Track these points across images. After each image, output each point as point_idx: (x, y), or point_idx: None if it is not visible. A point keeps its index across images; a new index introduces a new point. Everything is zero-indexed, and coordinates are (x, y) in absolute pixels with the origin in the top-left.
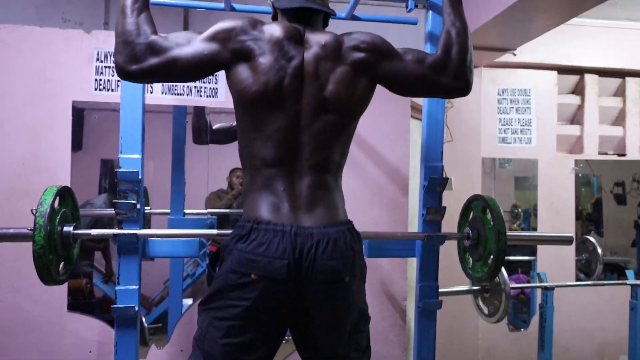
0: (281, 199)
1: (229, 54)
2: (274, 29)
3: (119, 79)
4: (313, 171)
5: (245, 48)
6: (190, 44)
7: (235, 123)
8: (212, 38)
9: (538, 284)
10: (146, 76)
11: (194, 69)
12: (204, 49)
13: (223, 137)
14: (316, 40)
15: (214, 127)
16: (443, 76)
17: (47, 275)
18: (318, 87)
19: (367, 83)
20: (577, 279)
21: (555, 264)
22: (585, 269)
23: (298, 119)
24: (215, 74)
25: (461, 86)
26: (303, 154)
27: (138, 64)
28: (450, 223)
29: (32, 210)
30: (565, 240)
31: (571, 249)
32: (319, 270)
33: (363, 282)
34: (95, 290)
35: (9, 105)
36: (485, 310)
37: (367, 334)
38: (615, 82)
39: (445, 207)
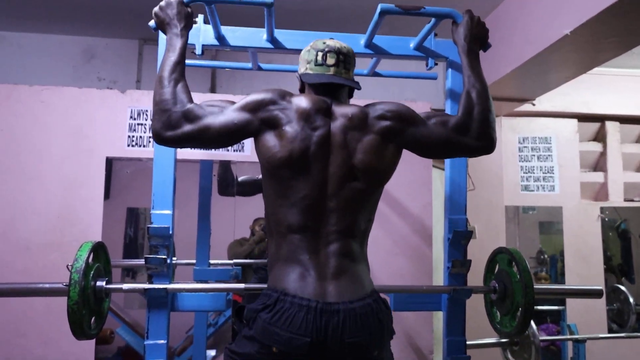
0: (307, 268)
1: (258, 123)
2: (302, 101)
3: (149, 135)
4: (339, 237)
5: (273, 117)
6: (222, 113)
7: (260, 176)
8: (243, 108)
9: (569, 337)
10: (180, 142)
11: (224, 137)
12: (234, 118)
13: (249, 189)
14: (342, 112)
15: (240, 179)
16: (467, 137)
17: (80, 330)
18: (346, 156)
19: (394, 149)
20: (610, 330)
21: (586, 314)
22: (617, 319)
23: (325, 187)
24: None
25: (485, 145)
26: (329, 221)
27: (173, 130)
28: (475, 272)
29: (67, 266)
30: (594, 294)
31: (602, 298)
32: (347, 348)
33: (390, 339)
34: (118, 339)
35: (48, 160)
36: None
37: None
38: (637, 129)
39: (470, 261)
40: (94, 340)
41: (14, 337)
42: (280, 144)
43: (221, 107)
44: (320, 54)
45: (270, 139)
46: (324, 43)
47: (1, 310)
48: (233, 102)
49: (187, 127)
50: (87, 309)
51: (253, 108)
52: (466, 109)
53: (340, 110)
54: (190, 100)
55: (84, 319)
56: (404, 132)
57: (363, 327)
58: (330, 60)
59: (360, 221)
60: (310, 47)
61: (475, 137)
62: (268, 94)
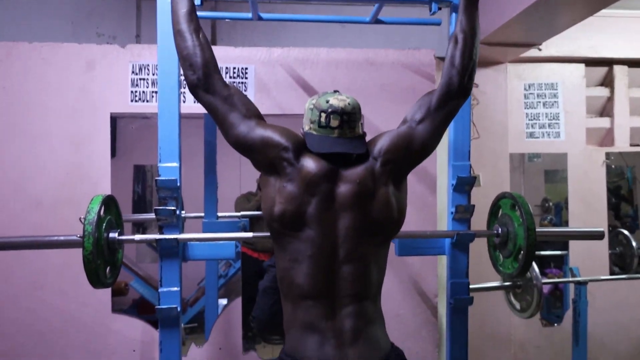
0: (325, 334)
1: (265, 159)
2: (309, 163)
3: (152, 90)
4: (354, 301)
5: (280, 166)
6: (244, 122)
7: None
8: (262, 136)
9: (571, 279)
10: (206, 100)
11: (234, 139)
12: (250, 137)
13: None
14: (350, 177)
15: None
16: (450, 99)
17: (96, 279)
18: (361, 216)
19: (404, 183)
20: (612, 273)
21: (588, 258)
22: (619, 263)
23: (334, 252)
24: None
25: (461, 94)
26: (343, 286)
27: (206, 93)
28: (479, 219)
29: (80, 219)
30: (596, 235)
31: (604, 243)
32: None
33: None
34: (132, 291)
35: (53, 119)
36: (518, 306)
37: None
38: None
39: (474, 205)
40: (110, 292)
41: (32, 290)
42: (277, 200)
43: (248, 116)
44: (323, 115)
45: (270, 188)
46: (327, 102)
47: (19, 265)
48: (259, 117)
49: (218, 103)
50: (101, 259)
51: (267, 145)
52: (447, 70)
53: (347, 175)
54: (215, 65)
55: (100, 269)
56: (407, 157)
57: None
58: (334, 122)
59: (373, 277)
60: (313, 105)
61: (456, 91)
62: (286, 141)
